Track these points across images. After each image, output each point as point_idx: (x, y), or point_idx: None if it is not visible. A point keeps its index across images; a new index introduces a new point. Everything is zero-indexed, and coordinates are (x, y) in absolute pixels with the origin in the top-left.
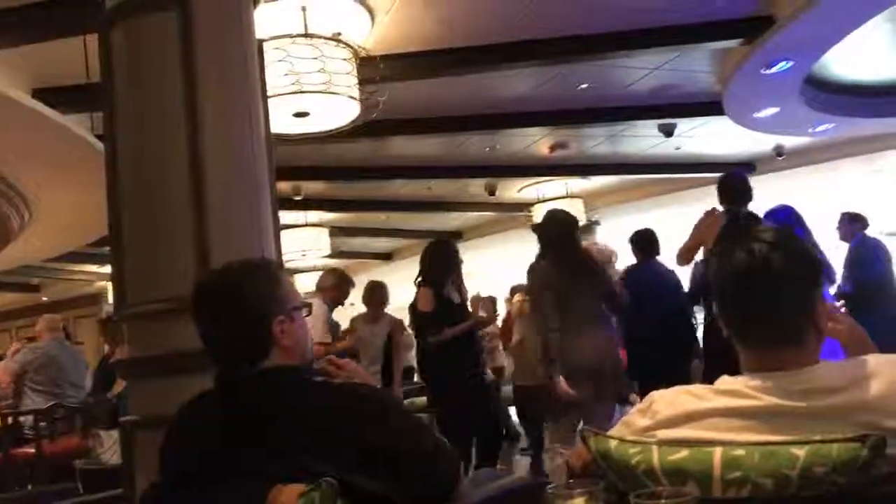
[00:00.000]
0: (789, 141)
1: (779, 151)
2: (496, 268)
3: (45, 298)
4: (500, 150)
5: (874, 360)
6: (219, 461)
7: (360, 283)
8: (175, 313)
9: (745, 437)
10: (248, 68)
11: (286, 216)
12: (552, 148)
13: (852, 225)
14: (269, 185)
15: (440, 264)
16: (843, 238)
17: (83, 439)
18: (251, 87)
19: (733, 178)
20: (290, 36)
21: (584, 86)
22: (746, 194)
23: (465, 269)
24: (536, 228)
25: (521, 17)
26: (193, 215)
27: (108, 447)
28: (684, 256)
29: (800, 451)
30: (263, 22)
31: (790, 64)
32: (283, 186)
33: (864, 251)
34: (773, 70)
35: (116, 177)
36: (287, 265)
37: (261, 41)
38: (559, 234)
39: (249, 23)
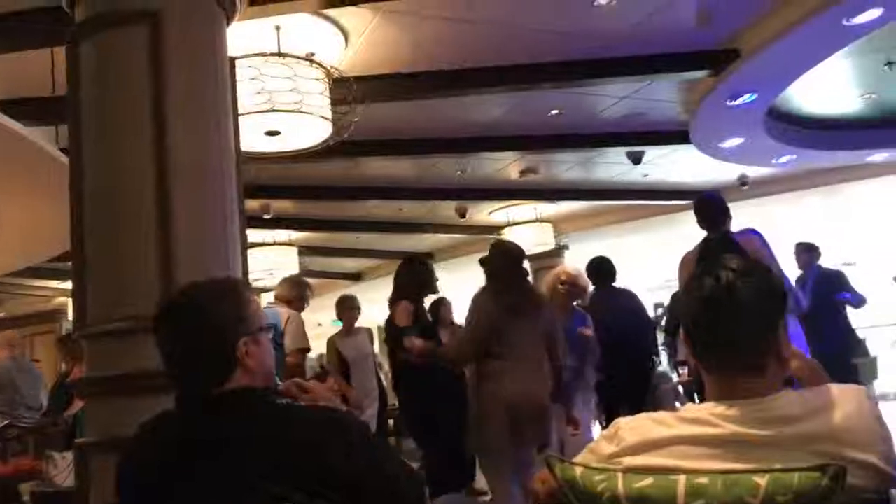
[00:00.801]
0: (753, 171)
1: (743, 181)
2: (467, 290)
3: (1, 314)
4: (471, 173)
5: (834, 390)
6: (178, 484)
7: (330, 304)
8: (137, 332)
9: (709, 465)
10: (219, 85)
11: (254, 234)
12: (522, 172)
13: (809, 254)
14: (237, 203)
15: (417, 281)
16: (802, 267)
17: (36, 461)
18: (222, 105)
19: (710, 199)
20: (264, 55)
21: (554, 112)
22: (723, 215)
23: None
24: (483, 261)
25: (494, 43)
26: (159, 232)
27: (63, 469)
28: None
29: (762, 480)
30: (236, 40)
31: (754, 96)
32: (252, 204)
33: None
34: (738, 102)
35: (80, 191)
36: (254, 284)
37: (233, 59)
38: (502, 267)
39: (222, 40)
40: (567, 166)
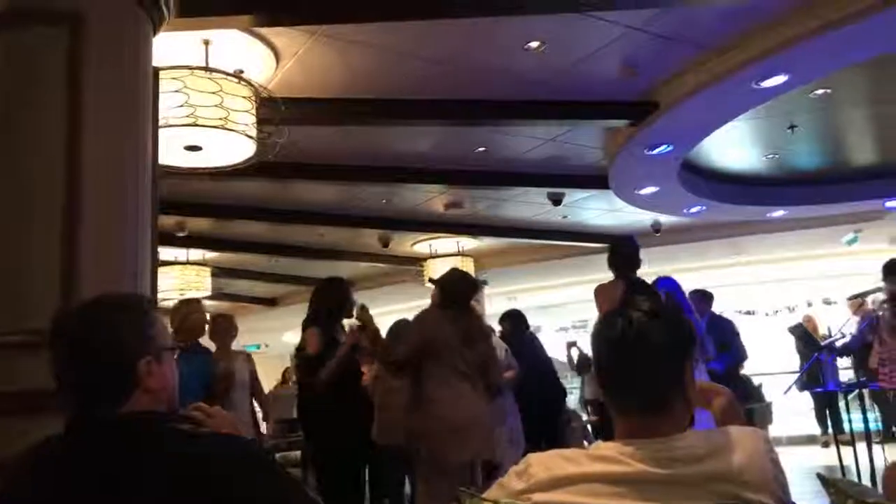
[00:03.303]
0: (666, 219)
1: (656, 228)
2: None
3: None
4: (396, 202)
5: (735, 432)
6: None
7: (243, 328)
8: (32, 347)
9: (617, 503)
10: (140, 94)
11: (167, 252)
12: (447, 206)
13: (704, 303)
14: (150, 218)
15: (331, 303)
16: (697, 314)
17: None
18: (142, 114)
19: (627, 245)
20: (190, 68)
21: (481, 149)
22: (637, 261)
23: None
24: (440, 282)
25: (425, 77)
26: (63, 242)
27: None
28: None
29: None
30: (163, 50)
31: (670, 147)
32: (167, 221)
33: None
34: (655, 152)
35: None
36: (163, 304)
37: (157, 69)
38: (461, 293)
39: (147, 49)
40: (491, 203)
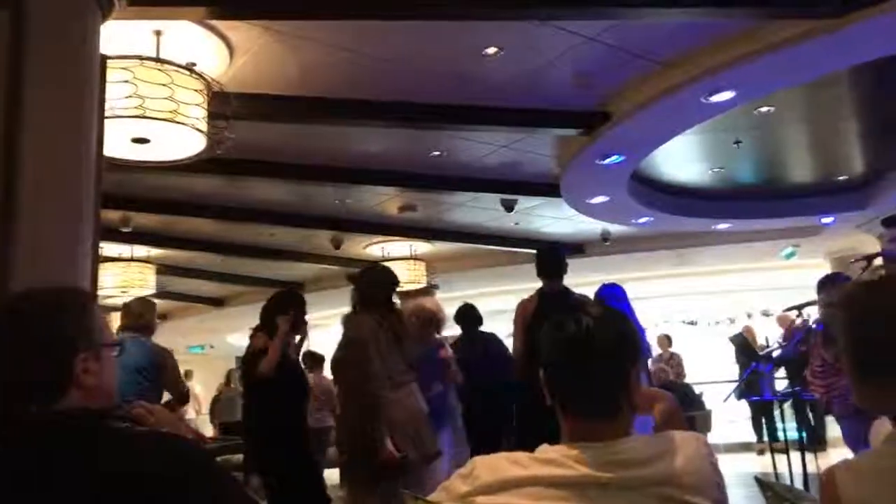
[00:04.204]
0: (615, 228)
1: (605, 237)
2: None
3: None
4: (350, 204)
5: (677, 437)
6: None
7: (187, 328)
8: None
9: None
10: (86, 83)
11: (110, 248)
12: (401, 209)
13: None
14: (92, 211)
15: (276, 311)
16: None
17: None
18: (87, 103)
19: (557, 251)
20: (140, 58)
21: (436, 153)
22: (554, 269)
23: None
24: (353, 278)
25: (382, 78)
26: None
27: None
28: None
29: None
30: (112, 38)
31: (621, 158)
32: (111, 215)
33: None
34: (606, 162)
35: None
36: (104, 301)
37: (105, 57)
38: (382, 293)
39: (94, 36)
40: (444, 207)
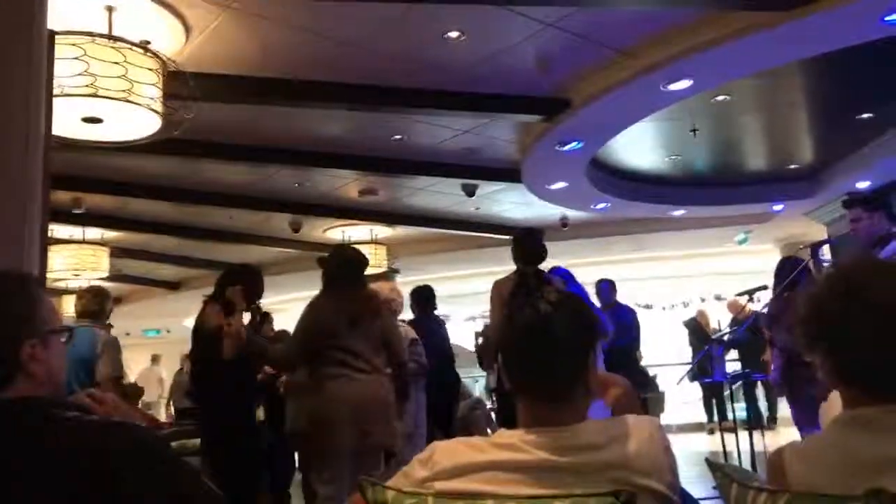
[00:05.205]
0: (574, 214)
1: (564, 222)
2: (295, 307)
3: None
4: (309, 187)
5: (631, 421)
6: None
7: (143, 312)
8: None
9: (517, 490)
10: (32, 58)
11: (61, 230)
12: (362, 192)
13: (612, 291)
14: (40, 191)
15: (227, 283)
16: (605, 303)
17: None
18: (34, 80)
19: (537, 235)
20: (91, 34)
21: (398, 136)
22: (536, 254)
23: (264, 305)
24: (323, 262)
25: (342, 60)
26: None
27: None
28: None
29: None
30: (61, 12)
31: (580, 144)
32: (61, 196)
33: (623, 317)
34: (566, 148)
35: None
36: (54, 284)
37: (53, 32)
38: (344, 275)
39: (41, 9)
40: (406, 191)
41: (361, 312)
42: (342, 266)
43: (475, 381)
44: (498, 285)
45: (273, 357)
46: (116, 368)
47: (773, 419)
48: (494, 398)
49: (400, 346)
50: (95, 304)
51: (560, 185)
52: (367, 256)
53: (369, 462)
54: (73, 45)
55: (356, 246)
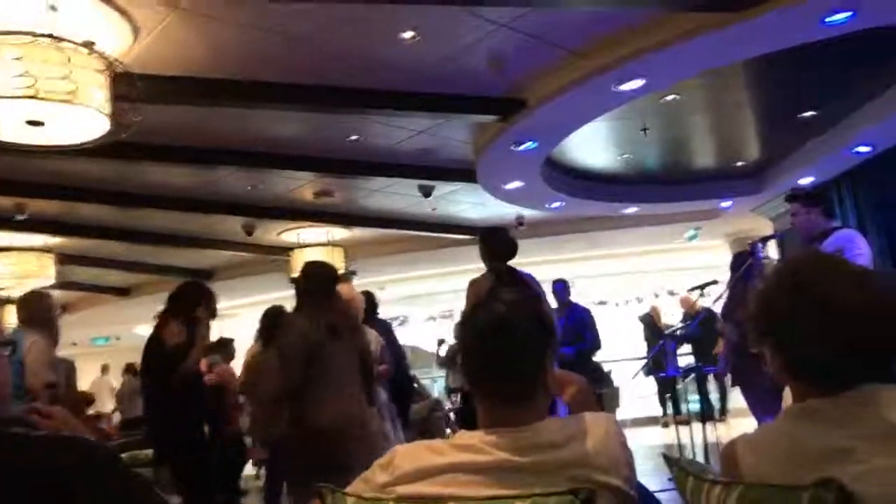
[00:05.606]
0: (529, 213)
1: (520, 221)
2: (248, 313)
3: None
4: (262, 189)
5: (588, 418)
6: None
7: (92, 320)
8: None
9: (477, 492)
10: None
11: (2, 237)
12: (317, 194)
13: (567, 292)
14: None
15: (194, 302)
16: (561, 303)
17: None
18: None
19: (494, 236)
20: (33, 34)
21: (353, 137)
22: (505, 252)
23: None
24: (296, 280)
25: (295, 60)
26: None
27: None
28: None
29: None
30: (1, 12)
31: (535, 144)
32: (4, 202)
33: (584, 319)
34: (521, 148)
35: None
36: None
37: None
38: (317, 287)
39: None
40: (361, 193)
41: (340, 325)
42: (315, 280)
43: (433, 382)
44: (475, 284)
45: (277, 390)
46: (39, 373)
47: (724, 411)
48: (453, 399)
49: (371, 365)
50: (30, 310)
51: (515, 184)
52: (324, 259)
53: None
54: (13, 45)
55: (311, 249)
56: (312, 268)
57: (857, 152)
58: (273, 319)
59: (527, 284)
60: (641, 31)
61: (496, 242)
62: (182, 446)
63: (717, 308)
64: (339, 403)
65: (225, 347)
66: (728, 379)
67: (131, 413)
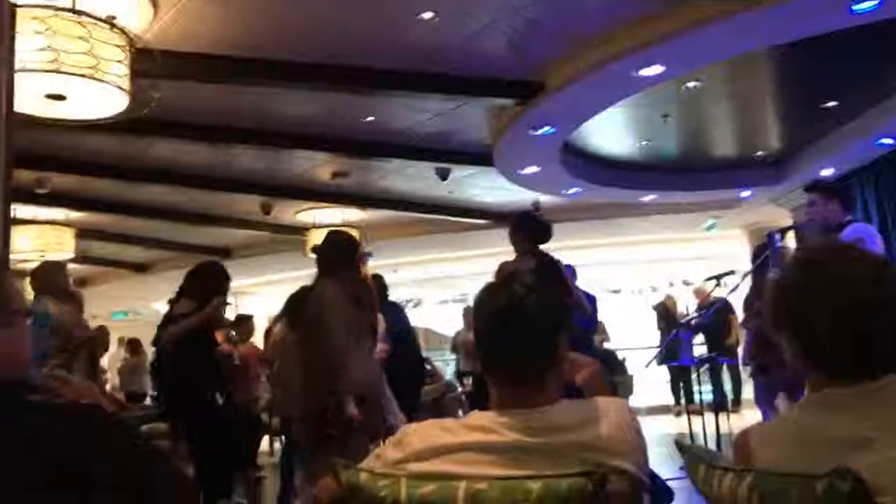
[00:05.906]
0: (546, 198)
1: (536, 206)
2: (266, 291)
3: None
4: (280, 169)
5: (602, 403)
6: None
7: (110, 294)
8: None
9: (489, 472)
10: None
11: (24, 210)
12: (334, 175)
13: (574, 277)
14: (3, 171)
15: (208, 284)
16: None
17: None
18: None
19: (527, 219)
20: (55, 8)
21: (370, 118)
22: (549, 233)
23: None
24: (317, 248)
25: (314, 39)
26: None
27: None
28: None
29: (534, 485)
30: None
31: (553, 129)
32: (25, 175)
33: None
34: (539, 132)
35: None
36: (19, 265)
37: (14, 5)
38: (341, 258)
39: None
40: (377, 174)
41: (364, 294)
42: (336, 248)
43: (446, 364)
44: (506, 267)
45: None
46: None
47: (738, 402)
48: (465, 382)
49: (377, 335)
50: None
51: (532, 169)
52: None
53: (352, 447)
54: (36, 18)
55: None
56: (338, 235)
57: (881, 144)
58: (299, 305)
59: (559, 269)
60: (661, 16)
61: (532, 225)
62: (195, 417)
63: (732, 299)
64: (372, 367)
65: (243, 324)
66: (743, 369)
67: (130, 388)
